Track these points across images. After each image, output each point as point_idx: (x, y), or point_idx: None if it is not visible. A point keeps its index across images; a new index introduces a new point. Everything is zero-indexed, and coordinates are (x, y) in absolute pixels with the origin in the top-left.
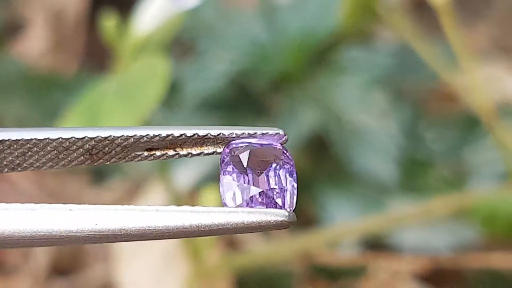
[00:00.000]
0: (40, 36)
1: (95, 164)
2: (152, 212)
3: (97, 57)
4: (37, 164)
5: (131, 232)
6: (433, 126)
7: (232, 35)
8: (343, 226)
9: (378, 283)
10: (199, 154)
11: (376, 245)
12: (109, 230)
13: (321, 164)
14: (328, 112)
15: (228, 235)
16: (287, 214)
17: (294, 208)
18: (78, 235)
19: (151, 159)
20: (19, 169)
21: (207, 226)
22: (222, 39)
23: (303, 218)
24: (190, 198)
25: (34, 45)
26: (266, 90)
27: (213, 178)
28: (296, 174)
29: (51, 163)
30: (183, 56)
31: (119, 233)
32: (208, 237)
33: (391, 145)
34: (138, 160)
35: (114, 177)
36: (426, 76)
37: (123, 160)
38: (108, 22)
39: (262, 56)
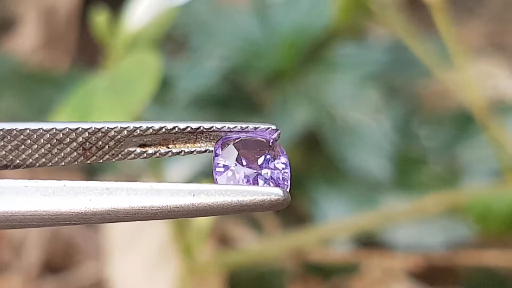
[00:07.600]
0: (32, 33)
1: (88, 161)
2: (146, 190)
3: (88, 53)
4: (30, 160)
5: (125, 210)
6: (426, 123)
7: (225, 31)
8: (336, 223)
9: (371, 280)
10: (191, 152)
11: (369, 242)
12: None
13: (314, 161)
14: (321, 109)
15: (225, 215)
16: (281, 193)
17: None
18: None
19: (144, 157)
20: (11, 166)
21: (202, 205)
22: (214, 36)
23: (296, 216)
24: None
25: (26, 42)
26: (258, 87)
27: (205, 174)
28: (291, 169)
29: (44, 160)
30: (175, 52)
31: (114, 211)
32: (200, 234)
33: (384, 142)
34: (130, 158)
35: (107, 174)
36: (419, 72)
37: (116, 158)
38: (100, 18)
39: (255, 53)
